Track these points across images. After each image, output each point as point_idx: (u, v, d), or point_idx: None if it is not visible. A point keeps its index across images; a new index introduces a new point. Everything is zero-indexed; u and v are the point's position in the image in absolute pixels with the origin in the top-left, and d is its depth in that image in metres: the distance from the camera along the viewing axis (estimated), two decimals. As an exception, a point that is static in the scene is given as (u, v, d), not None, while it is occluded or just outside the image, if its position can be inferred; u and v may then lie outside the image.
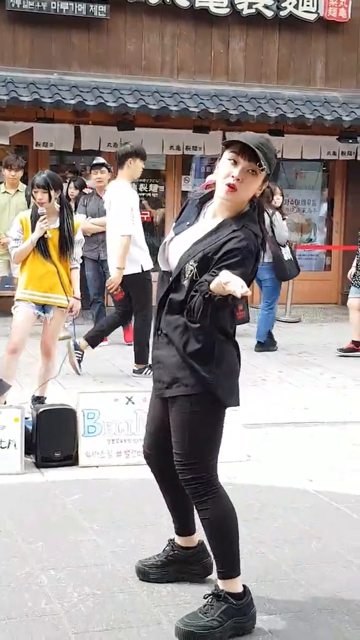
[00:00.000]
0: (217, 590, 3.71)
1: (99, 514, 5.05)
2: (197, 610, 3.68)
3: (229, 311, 3.66)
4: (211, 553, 3.88)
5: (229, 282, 3.27)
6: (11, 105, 12.01)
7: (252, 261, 3.56)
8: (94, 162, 10.84)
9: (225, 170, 3.57)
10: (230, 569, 3.74)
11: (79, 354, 8.74)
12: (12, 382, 6.84)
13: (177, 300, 3.65)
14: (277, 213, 10.28)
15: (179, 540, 4.14)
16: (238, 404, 3.77)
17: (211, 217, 3.71)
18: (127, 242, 8.54)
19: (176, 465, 3.75)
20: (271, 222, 10.03)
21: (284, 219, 10.56)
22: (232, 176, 3.54)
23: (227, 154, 3.58)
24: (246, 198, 3.62)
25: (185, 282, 3.59)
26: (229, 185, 3.55)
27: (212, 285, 3.37)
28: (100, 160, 10.61)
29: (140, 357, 8.89)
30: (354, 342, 10.31)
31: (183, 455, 3.71)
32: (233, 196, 3.58)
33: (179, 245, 3.71)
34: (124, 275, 8.58)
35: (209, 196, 3.76)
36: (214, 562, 3.88)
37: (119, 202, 8.69)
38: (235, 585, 3.72)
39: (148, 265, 8.74)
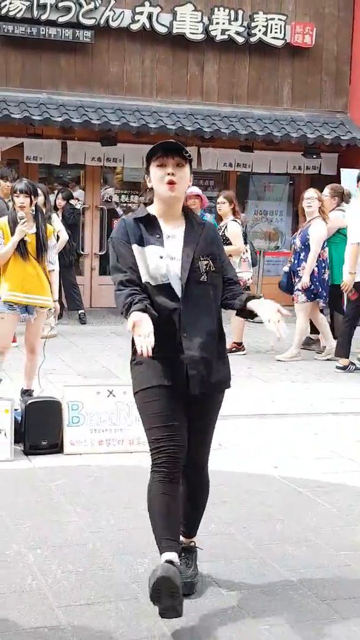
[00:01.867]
0: (186, 544, 3.90)
1: (82, 498, 5.04)
2: (182, 565, 3.75)
3: None
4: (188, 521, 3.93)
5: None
6: (3, 122, 12.02)
7: None
8: None
9: (158, 174, 3.65)
10: (197, 528, 3.95)
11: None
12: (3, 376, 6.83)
13: (201, 296, 3.69)
14: None
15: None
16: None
17: (167, 224, 3.74)
18: (355, 250, 8.95)
19: (200, 456, 3.88)
20: None
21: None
22: (168, 173, 3.62)
23: (154, 164, 3.66)
24: (184, 190, 3.72)
25: (204, 277, 3.68)
26: (169, 182, 3.62)
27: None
28: None
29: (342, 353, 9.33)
30: (235, 342, 9.98)
31: (208, 444, 3.91)
32: (176, 191, 3.65)
33: (166, 257, 3.67)
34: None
35: (147, 216, 3.75)
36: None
37: (354, 216, 9.21)
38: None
39: None
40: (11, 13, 12.33)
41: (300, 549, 4.39)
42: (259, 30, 13.64)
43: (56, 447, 5.99)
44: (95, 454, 5.97)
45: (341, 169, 13.48)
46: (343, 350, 9.31)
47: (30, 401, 6.10)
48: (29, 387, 6.90)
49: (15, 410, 6.01)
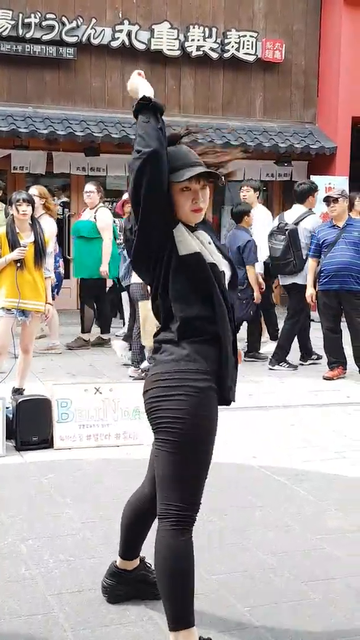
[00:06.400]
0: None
1: (72, 490, 5.00)
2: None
3: None
4: None
5: None
6: (-9, 135, 11.95)
7: None
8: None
9: (181, 200, 3.09)
10: None
11: None
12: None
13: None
14: None
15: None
16: None
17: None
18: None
19: None
20: None
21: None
22: (193, 200, 3.10)
23: (177, 185, 3.13)
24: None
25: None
26: (195, 210, 3.10)
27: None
28: None
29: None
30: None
31: None
32: (201, 216, 3.14)
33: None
34: None
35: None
36: None
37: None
38: None
39: None
40: (-3, 32, 12.27)
41: (279, 534, 4.38)
42: (232, 47, 13.64)
43: (46, 443, 5.95)
44: (84, 448, 5.94)
45: (311, 176, 13.51)
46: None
47: (21, 399, 6.06)
48: (21, 385, 6.86)
49: (7, 408, 5.98)
